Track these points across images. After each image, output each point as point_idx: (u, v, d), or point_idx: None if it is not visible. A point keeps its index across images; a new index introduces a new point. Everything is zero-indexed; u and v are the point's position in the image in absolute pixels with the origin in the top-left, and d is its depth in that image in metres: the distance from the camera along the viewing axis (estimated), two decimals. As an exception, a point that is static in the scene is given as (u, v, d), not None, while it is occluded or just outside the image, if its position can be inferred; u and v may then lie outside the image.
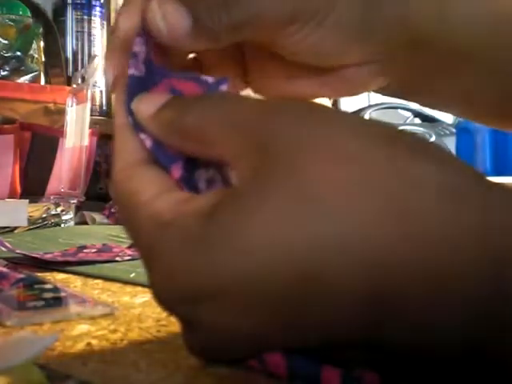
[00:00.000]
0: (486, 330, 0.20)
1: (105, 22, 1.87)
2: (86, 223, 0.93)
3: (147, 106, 0.26)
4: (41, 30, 1.31)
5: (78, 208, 0.94)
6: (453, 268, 0.20)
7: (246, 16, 0.29)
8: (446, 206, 0.20)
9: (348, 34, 0.31)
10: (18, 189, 0.91)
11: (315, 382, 0.23)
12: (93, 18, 1.80)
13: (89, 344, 0.29)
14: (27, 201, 0.82)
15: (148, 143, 0.26)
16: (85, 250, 0.58)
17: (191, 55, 0.34)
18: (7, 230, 0.77)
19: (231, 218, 0.21)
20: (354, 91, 0.35)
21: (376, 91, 0.36)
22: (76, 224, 0.91)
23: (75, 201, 0.91)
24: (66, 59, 1.62)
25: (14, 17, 1.27)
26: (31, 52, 1.28)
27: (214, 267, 0.21)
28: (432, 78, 0.35)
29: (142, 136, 0.26)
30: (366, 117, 1.36)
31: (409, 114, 1.53)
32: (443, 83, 0.35)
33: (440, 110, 0.41)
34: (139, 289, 0.43)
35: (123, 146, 0.26)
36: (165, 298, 0.23)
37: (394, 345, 0.21)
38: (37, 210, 0.86)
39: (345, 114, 0.25)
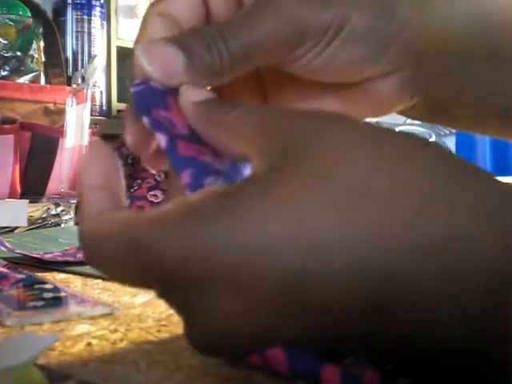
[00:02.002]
0: (488, 329, 0.20)
1: (105, 22, 1.87)
2: (86, 223, 0.92)
3: (195, 93, 0.27)
4: (41, 29, 1.31)
5: (78, 208, 0.94)
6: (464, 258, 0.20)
7: (247, 46, 0.28)
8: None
9: (363, 46, 0.30)
10: (18, 189, 0.92)
11: (315, 380, 0.23)
12: (93, 17, 1.80)
13: (89, 344, 0.29)
14: (27, 201, 0.82)
15: (163, 143, 0.26)
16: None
17: None
18: (7, 229, 0.77)
19: (258, 204, 0.21)
20: (379, 109, 0.33)
21: (404, 113, 0.34)
22: (76, 224, 0.91)
23: (75, 201, 0.91)
24: (66, 59, 1.62)
25: (13, 17, 1.27)
26: (31, 52, 1.28)
27: (236, 251, 0.21)
28: (465, 87, 0.32)
29: (159, 135, 0.26)
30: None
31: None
32: (479, 94, 0.33)
33: (474, 131, 0.38)
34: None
35: (91, 204, 0.25)
36: (174, 285, 0.23)
37: (393, 344, 0.21)
38: (37, 210, 0.86)
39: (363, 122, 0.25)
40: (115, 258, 0.23)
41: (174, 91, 0.28)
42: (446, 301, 0.20)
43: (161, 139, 0.26)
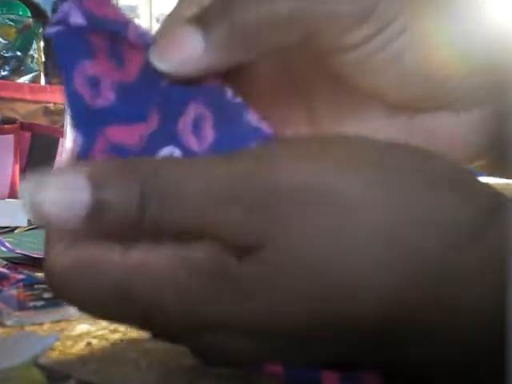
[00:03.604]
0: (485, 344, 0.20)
1: (105, 22, 1.86)
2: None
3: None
4: (41, 29, 1.31)
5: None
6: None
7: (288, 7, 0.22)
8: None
9: (437, 57, 0.23)
10: (18, 189, 0.91)
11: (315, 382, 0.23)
12: (93, 17, 1.80)
13: (89, 344, 0.29)
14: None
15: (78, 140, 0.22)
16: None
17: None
18: (7, 229, 0.77)
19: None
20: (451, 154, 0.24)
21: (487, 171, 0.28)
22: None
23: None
24: (66, 59, 1.61)
25: (13, 17, 1.27)
26: (31, 52, 1.28)
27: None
28: None
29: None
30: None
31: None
32: None
33: None
34: (139, 289, 0.43)
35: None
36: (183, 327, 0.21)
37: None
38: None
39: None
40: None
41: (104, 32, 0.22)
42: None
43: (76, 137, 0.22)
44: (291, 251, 0.20)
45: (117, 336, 0.31)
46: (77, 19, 0.22)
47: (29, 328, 0.32)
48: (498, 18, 0.24)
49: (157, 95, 0.22)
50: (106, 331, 0.31)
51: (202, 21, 0.22)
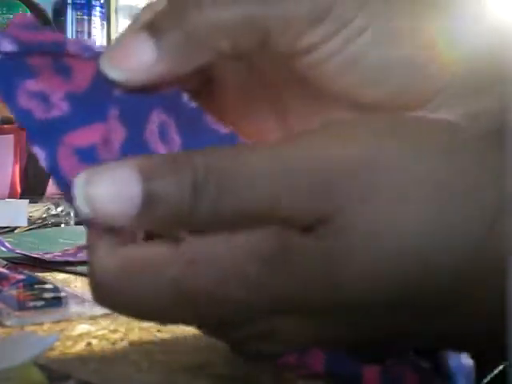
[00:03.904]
0: None
1: (105, 22, 1.87)
2: (86, 223, 0.92)
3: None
4: (41, 30, 1.31)
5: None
6: None
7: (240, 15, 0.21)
8: None
9: (403, 55, 0.22)
10: (18, 189, 0.91)
11: (355, 382, 0.23)
12: (93, 18, 1.80)
13: (89, 344, 0.29)
14: (27, 201, 0.82)
15: (41, 156, 0.22)
16: (85, 250, 0.58)
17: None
18: (7, 229, 0.77)
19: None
20: None
21: None
22: (76, 224, 0.91)
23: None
24: (66, 59, 1.61)
25: (13, 17, 1.27)
26: (31, 52, 1.28)
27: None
28: None
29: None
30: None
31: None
32: None
33: None
34: (139, 289, 0.43)
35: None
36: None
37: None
38: (37, 210, 0.86)
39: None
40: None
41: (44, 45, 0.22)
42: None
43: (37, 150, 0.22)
44: (357, 223, 0.20)
45: (117, 336, 0.31)
46: (6, 47, 0.22)
47: (29, 328, 0.32)
48: (483, 11, 0.24)
49: (114, 103, 0.22)
50: (106, 331, 0.31)
51: (153, 27, 0.21)
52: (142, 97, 0.22)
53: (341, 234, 0.20)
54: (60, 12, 1.77)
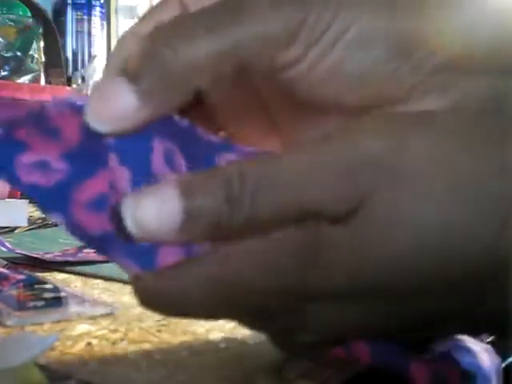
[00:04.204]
0: None
1: (105, 22, 1.87)
2: (86, 223, 0.93)
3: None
4: (41, 30, 1.31)
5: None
6: None
7: (208, 53, 0.22)
8: None
9: (378, 56, 0.23)
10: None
11: (401, 372, 0.24)
12: (93, 18, 1.80)
13: (89, 344, 0.29)
14: (27, 201, 0.82)
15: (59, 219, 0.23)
16: (85, 250, 0.58)
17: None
18: (7, 230, 0.77)
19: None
20: None
21: None
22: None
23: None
24: (66, 59, 1.62)
25: (14, 17, 1.27)
26: (31, 52, 1.28)
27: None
28: None
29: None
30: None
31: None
32: None
33: None
34: (139, 289, 0.43)
35: None
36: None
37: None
38: (37, 210, 0.86)
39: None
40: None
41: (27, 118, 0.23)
42: None
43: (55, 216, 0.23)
44: (385, 210, 0.21)
45: (117, 336, 0.31)
46: None
47: (29, 328, 0.32)
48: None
49: (109, 148, 0.23)
50: (106, 331, 0.31)
51: (129, 74, 0.21)
52: (134, 135, 0.22)
53: (369, 222, 0.21)
54: (60, 12, 1.77)
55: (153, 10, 0.27)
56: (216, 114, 0.28)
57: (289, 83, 0.24)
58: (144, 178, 0.23)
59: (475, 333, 0.25)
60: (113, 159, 0.22)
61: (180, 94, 0.22)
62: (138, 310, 0.36)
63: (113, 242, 0.22)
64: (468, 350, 0.24)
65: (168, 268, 0.22)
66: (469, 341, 0.25)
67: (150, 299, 0.22)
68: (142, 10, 2.17)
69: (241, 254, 0.21)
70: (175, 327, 0.32)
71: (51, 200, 0.22)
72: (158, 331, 0.31)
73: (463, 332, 0.25)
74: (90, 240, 0.23)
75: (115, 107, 0.21)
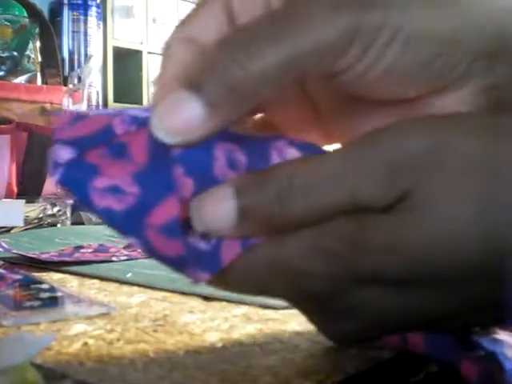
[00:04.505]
0: None
1: (101, 23, 1.87)
2: (82, 223, 0.93)
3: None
4: (37, 30, 1.31)
5: (75, 208, 0.94)
6: None
7: (276, 60, 0.23)
8: None
9: (428, 54, 0.24)
10: (15, 189, 0.91)
11: (452, 366, 0.24)
12: (89, 18, 1.80)
13: (85, 344, 0.29)
14: (24, 201, 0.82)
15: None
16: (81, 250, 0.58)
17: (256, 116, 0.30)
18: (4, 230, 0.77)
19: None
20: None
21: None
22: (72, 224, 0.91)
23: (72, 201, 0.91)
24: (63, 59, 1.62)
25: (10, 17, 1.27)
26: (27, 52, 1.28)
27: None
28: None
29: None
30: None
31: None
32: None
33: None
34: (135, 289, 0.43)
35: None
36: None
37: None
38: (33, 210, 0.86)
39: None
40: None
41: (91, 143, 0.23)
42: None
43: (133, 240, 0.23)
44: (431, 197, 0.22)
45: (113, 336, 0.31)
46: (65, 156, 0.23)
47: (25, 328, 0.32)
48: None
49: (175, 161, 0.23)
50: (103, 331, 0.32)
51: (194, 85, 0.22)
52: (197, 146, 0.23)
53: (416, 208, 0.22)
54: (56, 12, 1.77)
55: (195, 14, 0.28)
56: (261, 106, 0.30)
57: (344, 86, 0.25)
58: (208, 185, 0.23)
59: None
60: (179, 174, 0.23)
61: (245, 104, 0.23)
62: (134, 310, 0.36)
63: (188, 261, 0.23)
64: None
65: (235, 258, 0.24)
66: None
67: (231, 283, 0.25)
68: (137, 10, 2.17)
69: (294, 239, 0.23)
70: (171, 327, 0.32)
71: (127, 224, 0.23)
72: (155, 331, 0.31)
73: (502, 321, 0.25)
74: (167, 261, 0.24)
75: (183, 119, 0.22)
